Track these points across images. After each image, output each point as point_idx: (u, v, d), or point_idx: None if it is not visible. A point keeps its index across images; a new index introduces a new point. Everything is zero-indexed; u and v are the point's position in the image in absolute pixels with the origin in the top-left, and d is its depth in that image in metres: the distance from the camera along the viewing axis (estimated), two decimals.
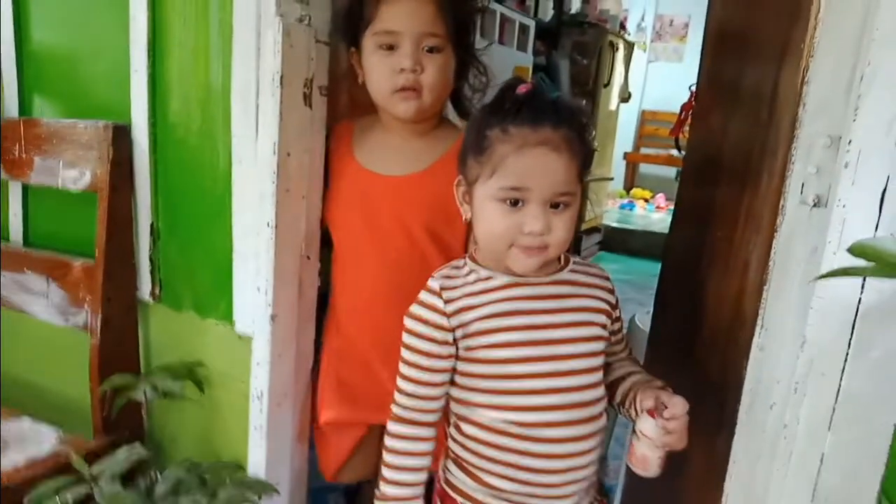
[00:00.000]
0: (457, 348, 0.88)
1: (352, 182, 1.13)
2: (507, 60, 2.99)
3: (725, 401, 0.93)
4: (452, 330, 0.87)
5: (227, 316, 1.19)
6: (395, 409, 0.92)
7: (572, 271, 0.92)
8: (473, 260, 0.92)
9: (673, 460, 0.87)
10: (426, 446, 0.92)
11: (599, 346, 0.91)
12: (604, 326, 0.92)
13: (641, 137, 6.66)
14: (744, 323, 0.90)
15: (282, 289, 1.12)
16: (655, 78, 6.67)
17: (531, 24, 3.34)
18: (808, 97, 0.79)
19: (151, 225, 1.24)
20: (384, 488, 0.92)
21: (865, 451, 0.71)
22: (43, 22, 1.34)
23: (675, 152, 3.94)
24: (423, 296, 0.90)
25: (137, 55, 1.18)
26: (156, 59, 1.18)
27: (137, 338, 1.29)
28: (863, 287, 0.69)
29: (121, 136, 1.21)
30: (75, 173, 1.24)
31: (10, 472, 1.07)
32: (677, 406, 0.82)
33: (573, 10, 4.53)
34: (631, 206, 5.89)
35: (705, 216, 1.13)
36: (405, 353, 0.90)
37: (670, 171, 5.67)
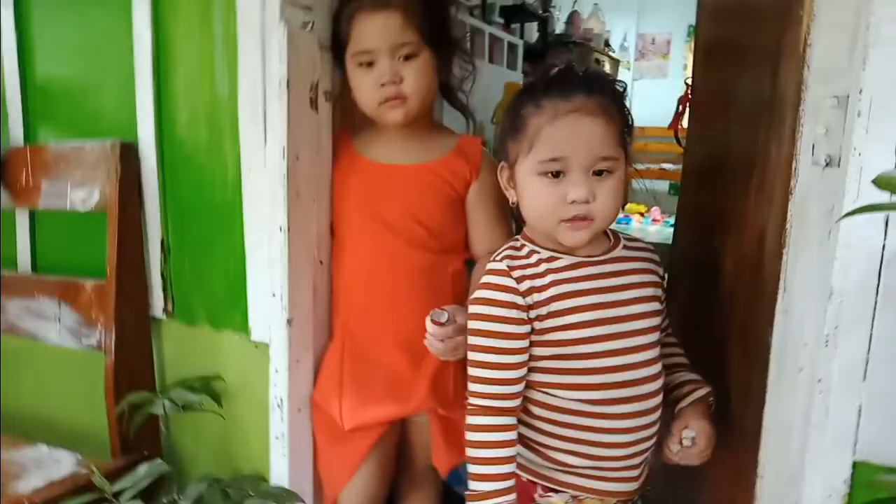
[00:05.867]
0: (531, 329, 0.86)
1: (361, 177, 1.13)
2: (498, 78, 3.04)
3: (750, 379, 0.92)
4: (527, 309, 0.86)
5: (243, 326, 1.18)
6: (473, 400, 0.88)
7: (625, 248, 0.93)
8: (530, 240, 0.91)
9: None
10: (512, 435, 0.87)
11: (658, 320, 0.92)
12: (660, 300, 0.93)
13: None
14: (763, 293, 0.90)
15: (297, 293, 1.12)
16: (641, 95, 6.75)
17: (519, 42, 3.41)
18: (811, 59, 0.80)
19: (162, 241, 1.24)
20: (475, 485, 0.86)
21: None
22: (46, 49, 1.35)
23: (667, 166, 4.00)
24: (491, 278, 0.88)
25: (142, 72, 1.20)
26: (161, 75, 1.19)
27: (152, 355, 1.28)
28: (886, 232, 0.69)
29: (128, 153, 1.21)
30: (83, 194, 1.25)
31: (30, 495, 1.05)
32: (699, 439, 0.89)
33: (557, 31, 4.64)
34: (627, 220, 5.92)
35: (713, 192, 1.14)
36: (477, 340, 0.87)
37: (663, 185, 5.71)
